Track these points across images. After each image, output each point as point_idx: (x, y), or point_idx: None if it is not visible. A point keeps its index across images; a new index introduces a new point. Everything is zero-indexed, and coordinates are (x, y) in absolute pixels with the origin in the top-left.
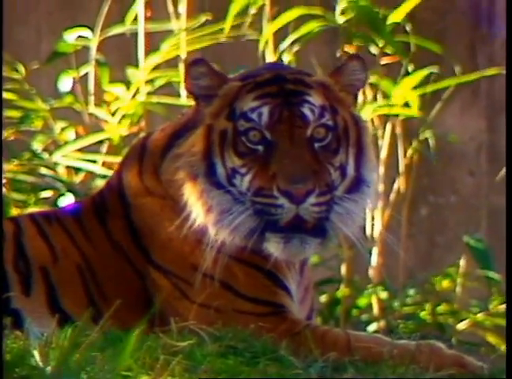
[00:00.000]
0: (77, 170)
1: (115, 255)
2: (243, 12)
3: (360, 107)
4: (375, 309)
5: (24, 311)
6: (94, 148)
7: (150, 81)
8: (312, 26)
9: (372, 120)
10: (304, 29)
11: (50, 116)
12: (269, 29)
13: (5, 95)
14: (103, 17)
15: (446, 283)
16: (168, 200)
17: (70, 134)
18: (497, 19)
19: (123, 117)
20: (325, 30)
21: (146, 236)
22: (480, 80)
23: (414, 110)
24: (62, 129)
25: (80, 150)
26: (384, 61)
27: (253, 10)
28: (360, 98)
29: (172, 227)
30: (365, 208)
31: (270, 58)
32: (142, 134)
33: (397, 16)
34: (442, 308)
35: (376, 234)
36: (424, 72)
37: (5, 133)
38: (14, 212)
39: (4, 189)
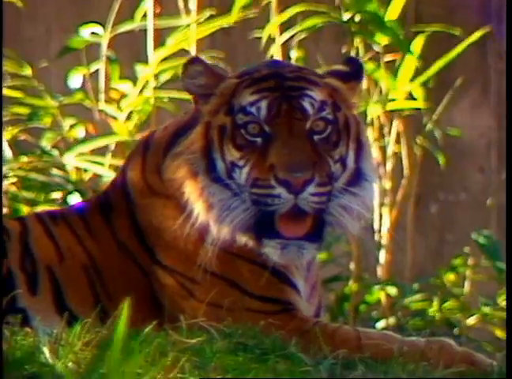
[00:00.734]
0: (86, 169)
1: (121, 254)
2: (249, 6)
3: (366, 105)
4: (384, 306)
5: (30, 310)
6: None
7: (157, 76)
8: (315, 21)
9: (378, 117)
10: (306, 24)
11: (58, 113)
12: (272, 23)
13: (13, 92)
14: (114, 14)
15: (452, 277)
16: (172, 198)
17: (80, 132)
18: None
19: (131, 113)
20: (333, 28)
21: (151, 235)
22: (490, 78)
23: (420, 103)
24: (71, 126)
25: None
26: (388, 57)
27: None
28: (365, 95)
29: (176, 226)
30: (365, 203)
31: (276, 55)
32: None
33: (392, 13)
34: (450, 304)
35: (384, 231)
36: (413, 59)
37: (14, 131)
38: (25, 210)
39: (14, 188)
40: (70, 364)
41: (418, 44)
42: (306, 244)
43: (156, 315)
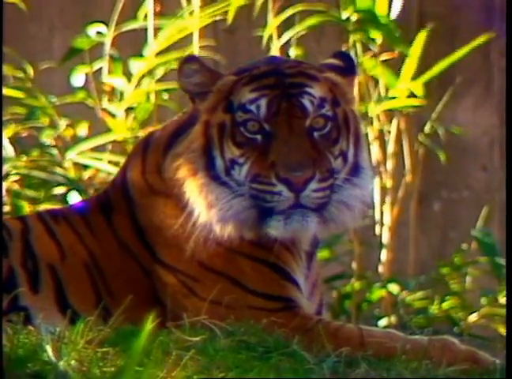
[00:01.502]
0: (86, 167)
1: (122, 253)
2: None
3: (365, 104)
4: (386, 304)
5: (33, 308)
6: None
7: (152, 71)
8: (314, 20)
9: (378, 116)
10: (306, 23)
11: (55, 113)
12: (271, 23)
13: (13, 92)
14: (117, 13)
15: (448, 270)
16: (172, 197)
17: (79, 131)
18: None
19: (129, 109)
20: (335, 26)
21: (152, 234)
22: (493, 76)
23: (418, 100)
24: (68, 126)
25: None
26: (384, 56)
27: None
28: (365, 94)
29: (177, 225)
30: (365, 194)
31: (275, 53)
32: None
33: (381, 7)
34: (451, 301)
35: (385, 229)
36: (415, 57)
37: (15, 129)
38: (27, 207)
39: (17, 186)
40: (73, 362)
41: (419, 43)
42: (309, 212)
43: (158, 313)
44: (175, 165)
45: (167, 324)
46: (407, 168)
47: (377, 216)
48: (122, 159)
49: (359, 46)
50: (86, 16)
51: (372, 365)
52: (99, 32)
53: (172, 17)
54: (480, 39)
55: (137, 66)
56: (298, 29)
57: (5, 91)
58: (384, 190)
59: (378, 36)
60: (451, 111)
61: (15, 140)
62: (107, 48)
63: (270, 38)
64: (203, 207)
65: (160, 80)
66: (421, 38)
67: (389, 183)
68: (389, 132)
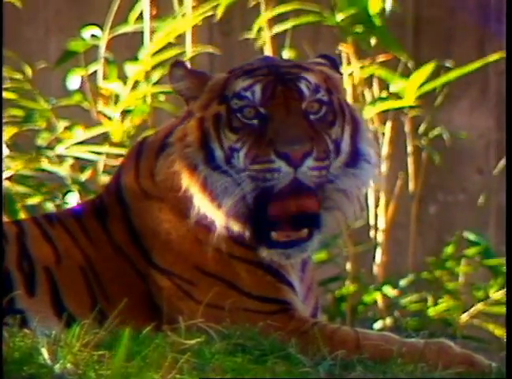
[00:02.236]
0: (83, 168)
1: (117, 257)
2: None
3: (360, 107)
4: (381, 306)
5: (28, 311)
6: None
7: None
8: (307, 19)
9: (371, 118)
10: (298, 21)
11: (52, 115)
12: (262, 17)
13: (9, 94)
14: (112, 15)
15: (442, 267)
16: (166, 201)
17: (75, 133)
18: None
19: (125, 112)
20: (331, 29)
21: (146, 238)
22: (489, 78)
23: (410, 101)
24: (66, 128)
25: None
26: (380, 58)
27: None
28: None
29: (172, 228)
30: (364, 184)
31: (268, 53)
32: (146, 132)
33: (373, 6)
34: (444, 302)
35: (380, 231)
36: (430, 66)
37: (12, 131)
38: (21, 208)
39: (10, 184)
40: (69, 365)
41: (424, 72)
42: (307, 244)
43: (153, 317)
44: (169, 160)
45: (162, 328)
46: (409, 171)
47: (371, 218)
48: (109, 151)
49: (351, 53)
50: (81, 19)
51: (368, 368)
52: (94, 35)
53: (165, 19)
54: (494, 57)
55: (132, 69)
56: (290, 23)
57: (3, 94)
58: (378, 192)
59: (372, 39)
60: (447, 114)
61: (12, 143)
62: (102, 51)
63: (260, 31)
64: (206, 199)
65: (156, 83)
66: (427, 69)
67: (382, 186)
68: (383, 134)
